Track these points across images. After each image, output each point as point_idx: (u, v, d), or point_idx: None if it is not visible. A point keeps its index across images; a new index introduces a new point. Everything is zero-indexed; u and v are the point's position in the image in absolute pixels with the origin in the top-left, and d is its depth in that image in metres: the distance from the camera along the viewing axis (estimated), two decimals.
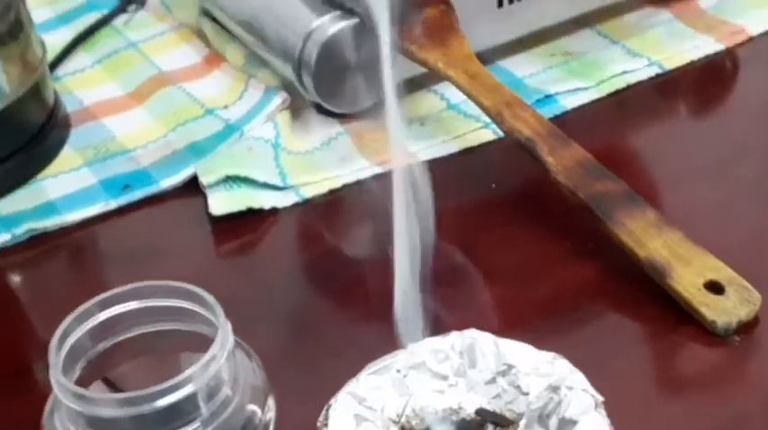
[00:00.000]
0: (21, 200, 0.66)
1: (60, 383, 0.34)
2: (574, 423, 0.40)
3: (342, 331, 0.51)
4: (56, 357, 0.35)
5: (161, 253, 0.64)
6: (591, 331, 0.56)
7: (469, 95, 0.64)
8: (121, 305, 0.37)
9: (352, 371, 0.43)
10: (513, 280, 0.59)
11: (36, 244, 0.65)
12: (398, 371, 0.43)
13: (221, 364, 0.36)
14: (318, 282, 0.61)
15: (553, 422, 0.41)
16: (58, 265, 0.65)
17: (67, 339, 0.36)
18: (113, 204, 0.66)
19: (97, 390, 0.38)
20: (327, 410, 0.42)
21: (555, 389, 0.41)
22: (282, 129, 0.68)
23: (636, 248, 0.56)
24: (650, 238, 0.57)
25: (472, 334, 0.44)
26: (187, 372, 0.35)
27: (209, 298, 0.37)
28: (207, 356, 0.35)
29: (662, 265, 0.55)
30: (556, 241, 0.60)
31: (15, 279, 0.64)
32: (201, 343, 0.37)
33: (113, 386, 0.39)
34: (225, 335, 0.36)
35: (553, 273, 0.59)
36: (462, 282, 0.59)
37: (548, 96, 0.70)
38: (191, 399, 0.35)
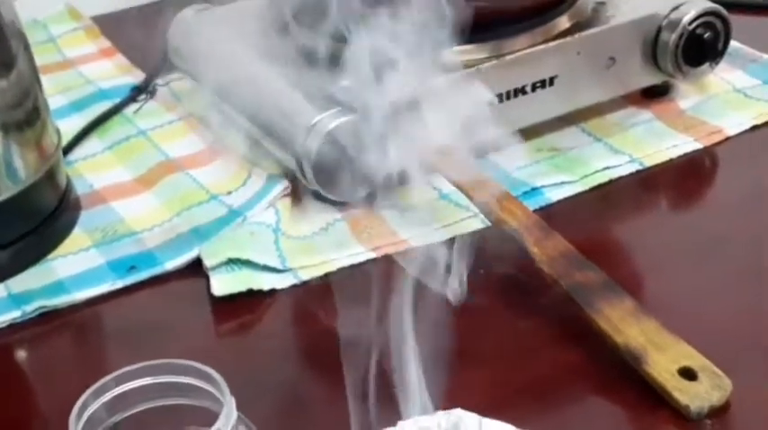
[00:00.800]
0: (31, 278, 0.70)
1: None
2: None
3: (337, 408, 0.53)
4: (75, 428, 0.38)
5: (164, 330, 0.67)
6: (571, 413, 0.59)
7: (460, 188, 0.68)
8: (135, 381, 0.40)
9: None
10: (497, 362, 0.62)
11: (45, 321, 0.68)
12: None
13: None
14: (314, 360, 0.64)
15: None
16: (66, 342, 0.68)
17: (86, 411, 0.39)
18: (120, 284, 0.69)
19: None
20: None
21: None
22: (283, 215, 0.72)
23: (614, 335, 0.60)
24: (627, 326, 0.60)
25: (458, 413, 0.47)
26: None
27: (216, 375, 0.40)
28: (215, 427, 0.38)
29: (638, 352, 0.59)
30: (539, 326, 0.64)
31: (24, 354, 0.67)
32: (207, 417, 0.40)
33: None
34: (230, 411, 0.39)
35: (536, 356, 0.62)
36: (450, 364, 0.62)
37: (534, 189, 0.74)
38: None
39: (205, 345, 0.66)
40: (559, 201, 0.74)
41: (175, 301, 0.69)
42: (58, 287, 0.69)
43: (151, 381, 0.40)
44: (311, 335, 0.67)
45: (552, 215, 0.72)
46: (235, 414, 0.39)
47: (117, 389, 0.40)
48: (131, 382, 0.40)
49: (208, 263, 0.68)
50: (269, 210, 0.72)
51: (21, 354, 0.67)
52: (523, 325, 0.64)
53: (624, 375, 0.59)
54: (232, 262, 0.68)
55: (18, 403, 0.63)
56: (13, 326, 0.67)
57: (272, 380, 0.62)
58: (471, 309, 0.66)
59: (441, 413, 0.47)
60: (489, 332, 0.64)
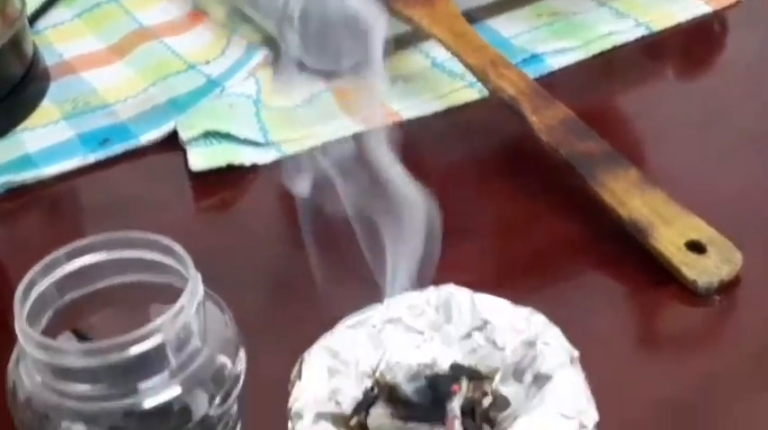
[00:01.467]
0: None
1: (25, 333, 0.34)
2: (548, 378, 0.39)
3: (318, 287, 0.50)
4: (21, 307, 0.34)
5: (140, 207, 0.63)
6: (570, 289, 0.55)
7: (455, 54, 0.64)
8: (89, 256, 0.36)
9: (329, 326, 0.43)
10: (493, 236, 0.58)
11: (14, 196, 0.64)
12: (374, 326, 0.42)
13: (191, 315, 0.35)
14: (296, 239, 0.61)
15: (528, 377, 0.40)
16: (36, 218, 0.64)
17: (33, 289, 0.35)
18: (92, 158, 0.65)
19: (64, 341, 0.37)
20: (300, 364, 0.41)
21: (530, 344, 0.41)
22: (264, 86, 0.67)
23: (617, 207, 0.56)
24: (632, 198, 0.56)
25: (449, 289, 0.43)
26: (155, 323, 0.34)
27: (179, 249, 0.36)
28: (176, 307, 0.34)
29: (643, 225, 0.55)
30: (537, 199, 0.60)
31: None
32: (172, 295, 0.36)
33: (82, 337, 0.38)
34: (194, 286, 0.35)
35: (534, 230, 0.58)
36: (444, 238, 0.59)
37: (534, 56, 0.69)
38: (159, 350, 0.34)
39: (183, 223, 0.62)
40: (561, 69, 0.69)
41: (152, 177, 0.65)
42: (26, 161, 0.65)
43: (107, 256, 0.37)
44: (294, 213, 0.63)
45: (553, 83, 0.67)
46: (201, 289, 0.35)
47: (68, 265, 0.36)
48: (85, 257, 0.36)
49: (184, 135, 0.64)
50: (249, 80, 0.68)
51: None
52: (520, 197, 0.60)
53: (627, 250, 0.56)
54: (210, 135, 0.64)
55: None
56: None
57: (251, 258, 0.58)
58: (465, 181, 0.62)
59: (431, 288, 0.44)
60: (484, 204, 0.60)
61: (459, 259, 0.57)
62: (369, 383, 0.42)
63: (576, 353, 0.41)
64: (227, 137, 0.64)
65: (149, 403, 0.34)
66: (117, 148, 0.65)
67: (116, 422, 0.34)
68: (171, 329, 0.34)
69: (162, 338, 0.34)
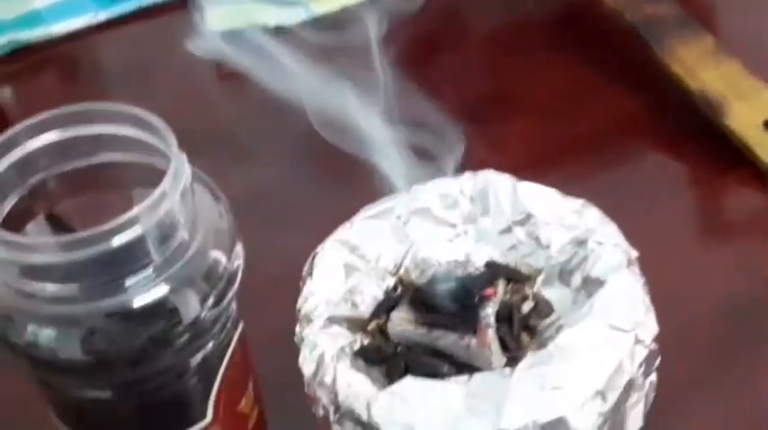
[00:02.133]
0: (4, 7, 0.60)
1: None
2: (601, 283, 0.34)
3: (339, 170, 0.44)
4: None
5: (153, 71, 0.58)
6: (628, 173, 0.49)
7: None
8: (53, 132, 0.31)
9: (346, 216, 0.37)
10: (543, 111, 0.52)
11: (20, 57, 0.59)
12: (399, 216, 0.37)
13: (175, 201, 0.30)
14: (324, 113, 0.55)
15: (576, 279, 0.35)
16: (42, 81, 0.59)
17: None
18: (103, 16, 0.59)
19: (34, 230, 0.32)
20: (313, 259, 0.36)
21: (581, 242, 0.35)
22: None
23: (687, 79, 0.49)
24: (705, 69, 0.49)
25: (487, 176, 0.37)
26: (132, 212, 0.29)
27: (158, 122, 0.30)
28: (156, 193, 0.29)
29: (716, 100, 0.48)
30: (596, 70, 0.53)
31: None
32: (157, 178, 0.31)
33: (58, 223, 0.33)
34: (178, 168, 0.29)
35: (589, 105, 0.52)
36: (487, 114, 0.53)
37: None
38: (138, 243, 0.29)
39: (200, 91, 0.56)
40: None
41: (167, 38, 0.59)
42: (34, 17, 0.59)
43: (74, 134, 0.31)
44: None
45: None
46: (187, 173, 0.30)
47: (31, 142, 0.31)
48: (48, 134, 0.31)
49: None
50: None
51: None
52: (576, 68, 0.54)
53: (695, 128, 0.49)
54: None
55: None
56: None
57: (270, 133, 0.52)
58: (515, 50, 0.56)
59: (466, 175, 0.37)
60: (535, 76, 0.54)
61: (502, 138, 0.51)
62: (391, 282, 0.36)
63: (635, 254, 0.35)
64: None
65: (130, 304, 0.29)
66: (129, 5, 0.59)
67: (92, 327, 0.29)
68: (151, 219, 0.29)
69: (141, 230, 0.29)
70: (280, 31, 0.56)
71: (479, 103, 0.53)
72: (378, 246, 0.36)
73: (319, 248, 0.36)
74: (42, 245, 0.29)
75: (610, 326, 0.32)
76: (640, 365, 0.32)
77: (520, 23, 0.57)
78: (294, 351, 0.34)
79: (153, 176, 0.30)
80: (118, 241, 0.29)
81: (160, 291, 0.30)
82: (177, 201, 0.30)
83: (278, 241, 0.44)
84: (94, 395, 0.31)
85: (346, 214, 0.37)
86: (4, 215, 0.31)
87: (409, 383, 0.32)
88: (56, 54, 0.59)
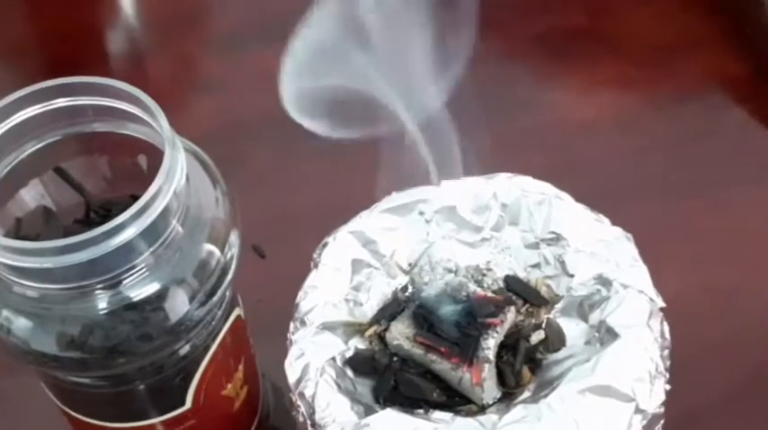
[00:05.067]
0: None
1: None
2: (615, 336, 0.31)
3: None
4: None
5: None
6: (713, 147, 0.45)
7: None
8: (60, 99, 0.29)
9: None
10: (635, 56, 0.48)
11: None
12: (422, 213, 0.34)
13: (169, 200, 0.28)
14: None
15: (594, 318, 0.32)
16: None
17: None
18: None
19: (27, 197, 0.31)
20: (322, 249, 0.34)
21: (606, 281, 0.32)
22: None
23: None
24: None
25: (524, 182, 0.34)
26: (125, 214, 0.27)
27: (157, 110, 0.27)
28: (147, 194, 0.27)
29: None
30: (703, 18, 0.48)
31: None
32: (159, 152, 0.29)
33: (66, 177, 0.32)
34: (173, 163, 0.27)
35: (685, 58, 0.47)
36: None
37: None
38: (131, 243, 0.28)
39: None
40: None
41: None
42: None
43: (75, 103, 0.28)
44: None
45: None
46: (183, 165, 0.27)
47: (33, 108, 0.28)
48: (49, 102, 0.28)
49: None
50: None
51: None
52: (675, 16, 0.49)
53: None
54: None
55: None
56: None
57: None
58: None
59: (503, 176, 0.34)
60: (626, 14, 0.49)
61: (587, 82, 0.47)
62: (403, 281, 0.34)
63: (660, 305, 0.32)
64: None
65: (121, 301, 0.28)
66: None
67: (72, 329, 0.28)
68: (141, 222, 0.27)
69: (134, 232, 0.27)
70: None
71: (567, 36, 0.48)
72: (394, 241, 0.34)
73: (330, 238, 0.34)
74: (36, 249, 0.27)
75: (610, 392, 0.30)
76: None
77: None
78: None
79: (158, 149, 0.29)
80: (112, 244, 0.27)
81: (150, 288, 0.29)
82: (171, 198, 0.28)
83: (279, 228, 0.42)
84: (72, 379, 0.31)
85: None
86: (4, 175, 0.30)
87: (388, 416, 0.30)
88: None
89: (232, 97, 0.49)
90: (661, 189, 0.43)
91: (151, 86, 0.48)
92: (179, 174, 0.29)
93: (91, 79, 0.29)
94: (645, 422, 0.30)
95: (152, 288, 0.29)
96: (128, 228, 0.28)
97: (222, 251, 0.30)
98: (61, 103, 0.29)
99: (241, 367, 0.34)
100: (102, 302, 0.29)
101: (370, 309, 0.34)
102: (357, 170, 0.42)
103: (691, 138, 0.45)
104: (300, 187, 0.45)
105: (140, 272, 0.29)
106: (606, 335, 0.31)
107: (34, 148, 0.31)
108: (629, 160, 0.44)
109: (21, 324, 0.29)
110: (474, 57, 0.44)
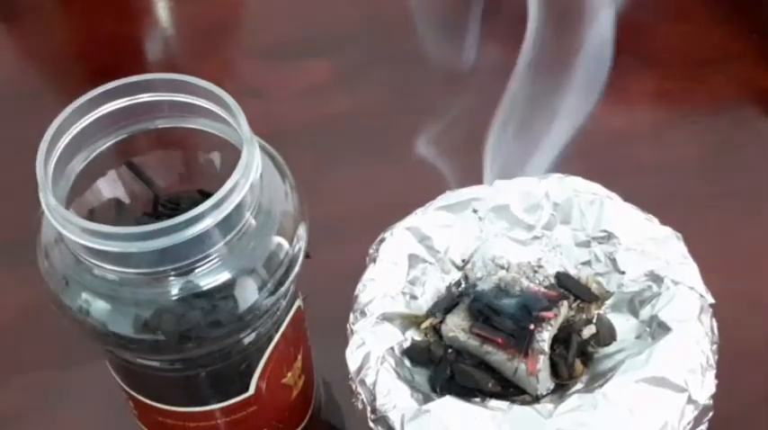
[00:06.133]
0: None
1: (60, 215, 0.28)
2: (667, 329, 0.32)
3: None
4: (44, 173, 0.28)
5: None
6: (748, 158, 0.46)
7: None
8: (145, 95, 0.30)
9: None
10: (669, 70, 0.49)
11: None
12: (476, 210, 0.35)
13: (244, 194, 0.29)
14: None
15: (645, 313, 0.33)
16: None
17: (61, 139, 0.29)
18: None
19: (102, 188, 0.32)
20: (380, 244, 0.35)
21: (657, 278, 0.33)
22: None
23: None
24: None
25: (575, 183, 0.35)
26: (203, 206, 0.28)
27: (236, 107, 0.29)
28: (225, 188, 0.28)
29: None
30: (736, 32, 0.49)
31: None
32: (229, 147, 0.30)
33: (137, 171, 0.33)
34: (250, 159, 0.29)
35: (719, 71, 0.48)
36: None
37: None
38: (206, 234, 0.29)
39: None
40: None
41: None
42: None
43: (155, 98, 0.30)
44: None
45: None
46: (258, 162, 0.28)
47: (114, 102, 0.30)
48: (129, 98, 0.30)
49: None
50: None
51: None
52: (708, 29, 0.50)
53: None
54: None
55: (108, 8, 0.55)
56: None
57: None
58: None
59: (554, 177, 0.36)
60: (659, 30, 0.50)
61: (623, 94, 0.48)
62: (456, 277, 0.35)
63: (710, 301, 0.33)
64: None
65: (193, 289, 0.29)
66: None
67: (155, 309, 0.29)
68: (219, 213, 0.29)
69: (211, 222, 0.28)
70: None
71: None
72: (448, 237, 0.35)
73: (387, 233, 0.35)
74: (119, 234, 0.28)
75: (664, 382, 0.31)
76: (688, 423, 0.31)
77: None
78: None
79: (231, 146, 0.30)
80: (189, 233, 0.29)
81: (222, 277, 0.30)
82: (246, 192, 0.29)
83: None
84: (143, 363, 0.32)
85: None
86: (79, 171, 0.31)
87: (447, 403, 0.31)
88: None
89: (274, 105, 0.50)
90: (694, 198, 0.44)
91: None
92: (255, 170, 0.30)
93: (172, 76, 0.30)
94: (696, 412, 0.31)
95: (224, 277, 0.30)
96: (205, 218, 0.29)
97: (291, 243, 0.32)
98: (145, 97, 0.31)
99: (300, 357, 0.35)
100: (175, 289, 0.30)
101: (425, 302, 0.35)
102: (402, 173, 0.44)
103: (725, 149, 0.46)
104: (343, 192, 0.46)
105: (214, 261, 0.30)
106: (658, 329, 0.32)
107: (112, 142, 0.32)
108: (663, 170, 0.45)
109: (99, 306, 0.30)
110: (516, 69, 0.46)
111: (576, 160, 0.44)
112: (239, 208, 0.30)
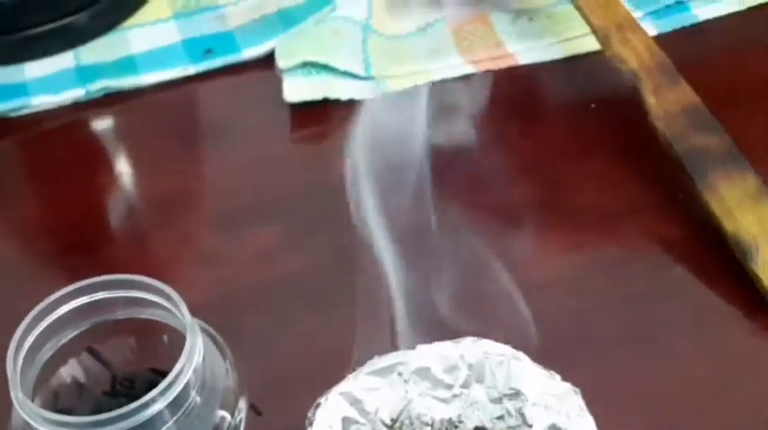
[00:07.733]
0: (103, 49, 0.64)
1: (27, 408, 0.32)
2: None
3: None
4: (14, 369, 0.32)
5: (232, 129, 0.61)
6: (655, 303, 0.51)
7: (577, 8, 0.57)
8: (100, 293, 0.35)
9: None
10: (583, 223, 0.54)
11: (108, 102, 0.63)
12: (401, 374, 0.40)
13: (189, 377, 0.34)
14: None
15: None
16: (128, 128, 0.63)
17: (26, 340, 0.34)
18: (192, 70, 0.63)
19: (66, 374, 0.36)
20: (315, 409, 0.39)
21: None
22: (376, 10, 0.63)
23: (723, 220, 0.50)
24: (743, 211, 0.50)
25: (487, 347, 0.40)
26: (153, 392, 0.33)
27: (174, 295, 0.34)
28: (172, 374, 0.33)
29: (747, 245, 0.50)
30: (640, 187, 0.55)
31: (84, 135, 0.63)
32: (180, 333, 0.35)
33: (98, 357, 0.37)
34: (192, 346, 0.33)
35: (627, 224, 0.54)
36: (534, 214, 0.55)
37: (679, 3, 0.62)
38: (157, 417, 0.33)
39: (272, 153, 0.60)
40: (709, 22, 0.62)
41: (248, 97, 0.63)
42: (129, 63, 0.63)
43: (105, 296, 0.35)
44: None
45: (696, 39, 0.61)
46: (200, 347, 0.33)
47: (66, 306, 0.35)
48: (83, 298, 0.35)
49: (282, 64, 0.60)
50: (362, 1, 0.63)
51: (82, 135, 0.63)
52: (621, 182, 0.55)
53: (731, 265, 0.51)
54: (309, 65, 0.60)
55: (74, 186, 0.60)
56: (77, 105, 0.63)
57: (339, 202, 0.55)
58: (567, 153, 0.57)
59: (468, 341, 0.41)
60: (580, 185, 0.55)
61: (542, 248, 0.53)
62: None
63: None
64: (326, 68, 0.60)
65: None
66: (218, 62, 0.63)
67: None
68: (168, 396, 0.33)
69: (161, 406, 0.33)
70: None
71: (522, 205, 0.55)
72: (377, 399, 0.40)
73: (323, 399, 0.40)
74: (75, 423, 0.33)
75: None
76: None
77: (581, 125, 0.58)
78: None
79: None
80: (142, 417, 0.33)
81: None
82: (191, 374, 0.34)
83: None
84: None
85: None
86: (46, 360, 0.35)
87: None
88: (144, 101, 0.63)
89: (229, 270, 0.55)
90: (607, 342, 0.49)
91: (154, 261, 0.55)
92: (197, 354, 0.34)
93: (124, 277, 0.35)
94: None
95: None
96: (156, 402, 0.33)
97: (233, 415, 0.36)
98: (99, 295, 0.35)
99: None
100: None
101: None
102: (344, 332, 0.48)
103: (633, 296, 0.51)
104: (292, 349, 0.51)
105: None
106: None
107: (73, 334, 0.37)
108: (578, 317, 0.50)
109: None
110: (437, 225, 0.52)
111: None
112: (186, 389, 0.34)
